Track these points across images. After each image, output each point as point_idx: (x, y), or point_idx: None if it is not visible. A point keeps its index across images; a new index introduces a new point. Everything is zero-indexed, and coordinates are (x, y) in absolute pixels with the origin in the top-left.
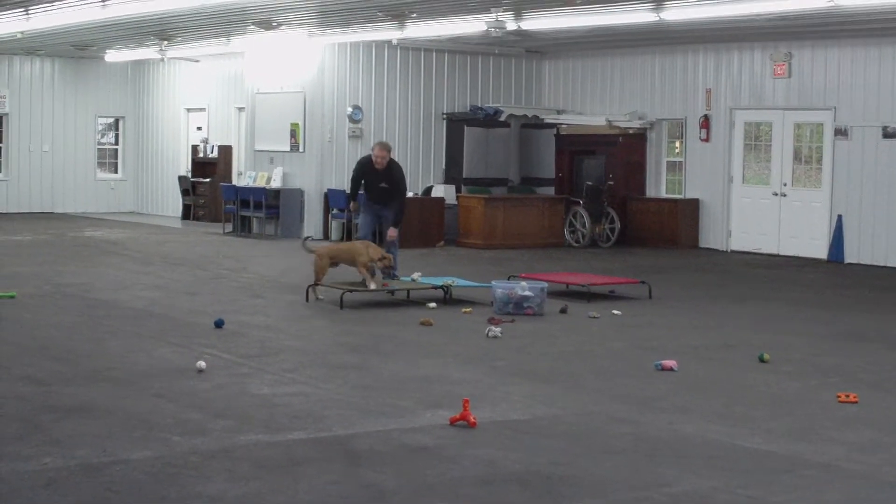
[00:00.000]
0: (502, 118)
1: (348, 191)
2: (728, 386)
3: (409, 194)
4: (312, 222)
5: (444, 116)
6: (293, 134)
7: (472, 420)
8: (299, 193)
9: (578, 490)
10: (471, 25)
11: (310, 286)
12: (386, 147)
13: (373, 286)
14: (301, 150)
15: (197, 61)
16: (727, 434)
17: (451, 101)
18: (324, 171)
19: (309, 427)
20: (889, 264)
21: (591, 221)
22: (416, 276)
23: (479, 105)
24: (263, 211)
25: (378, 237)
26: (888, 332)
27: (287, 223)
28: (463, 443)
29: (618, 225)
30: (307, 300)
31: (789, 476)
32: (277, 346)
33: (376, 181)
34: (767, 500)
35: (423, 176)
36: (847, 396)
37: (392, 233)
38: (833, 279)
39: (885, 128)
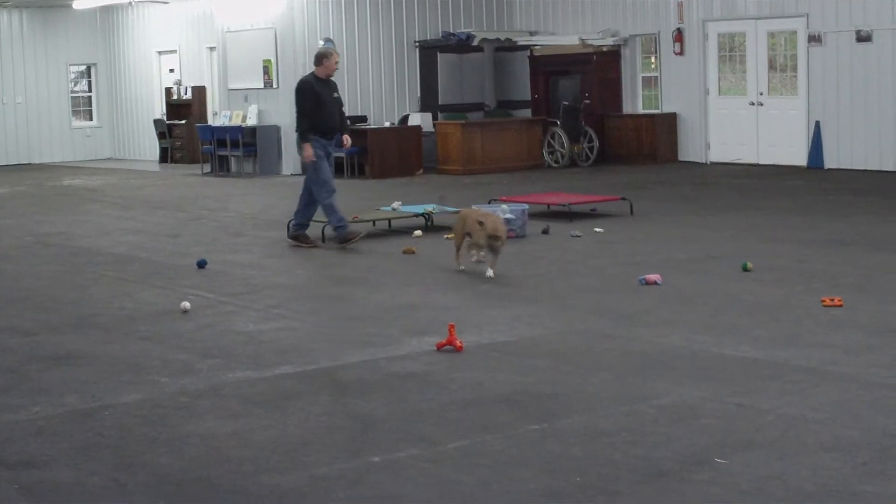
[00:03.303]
0: (475, 43)
1: (299, 132)
2: (713, 297)
3: (386, 124)
4: (290, 158)
5: (417, 44)
6: (266, 71)
7: (459, 344)
8: (276, 130)
9: (567, 407)
10: None
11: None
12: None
13: (489, 272)
14: (275, 86)
15: (166, 2)
16: (714, 344)
17: (423, 29)
18: None
19: (296, 361)
20: (869, 168)
21: (570, 141)
22: (396, 204)
23: (451, 31)
24: (241, 149)
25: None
26: (870, 236)
27: (265, 160)
28: (450, 367)
29: (596, 143)
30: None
31: (777, 382)
32: (261, 283)
33: (330, 94)
34: (756, 406)
35: (399, 105)
36: (832, 301)
37: (348, 138)
38: (813, 185)
39: (858, 32)
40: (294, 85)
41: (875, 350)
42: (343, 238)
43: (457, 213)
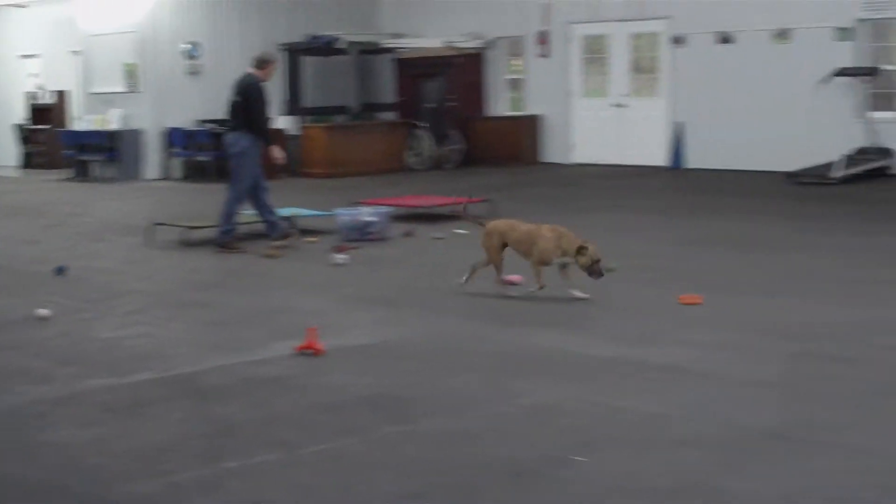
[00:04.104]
0: (340, 46)
1: (262, 134)
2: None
3: None
4: (153, 162)
5: (283, 47)
6: (129, 74)
7: (319, 347)
8: (138, 134)
9: (431, 408)
10: None
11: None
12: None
13: (537, 286)
14: (139, 90)
15: (24, 6)
16: (577, 344)
17: (289, 32)
18: (164, 111)
19: (155, 367)
20: (729, 167)
21: (434, 144)
22: None
23: (317, 34)
24: (103, 154)
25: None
26: (730, 234)
27: (127, 165)
28: (312, 371)
29: (460, 146)
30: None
31: (637, 380)
32: (122, 289)
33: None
34: (613, 405)
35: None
36: (690, 299)
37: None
38: (675, 185)
39: (720, 33)
40: (160, 89)
41: (733, 347)
42: (224, 244)
43: (481, 225)
